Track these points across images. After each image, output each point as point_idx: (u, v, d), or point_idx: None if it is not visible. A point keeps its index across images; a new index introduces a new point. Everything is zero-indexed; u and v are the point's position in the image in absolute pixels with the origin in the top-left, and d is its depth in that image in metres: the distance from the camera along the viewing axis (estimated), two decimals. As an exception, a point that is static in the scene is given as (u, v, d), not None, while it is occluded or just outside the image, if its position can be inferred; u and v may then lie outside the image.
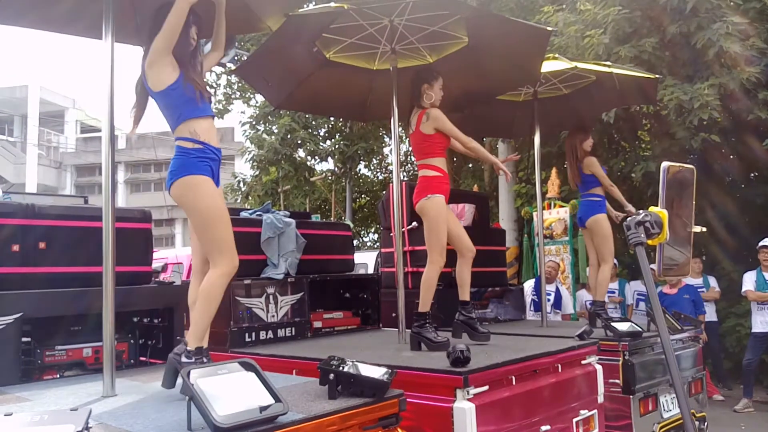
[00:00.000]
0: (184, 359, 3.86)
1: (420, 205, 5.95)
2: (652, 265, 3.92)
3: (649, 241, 3.15)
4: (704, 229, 3.76)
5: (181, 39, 4.11)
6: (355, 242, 24.37)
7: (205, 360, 3.93)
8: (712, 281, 11.59)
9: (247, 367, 3.29)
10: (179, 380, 3.76)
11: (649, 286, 3.19)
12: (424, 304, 5.86)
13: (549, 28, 6.30)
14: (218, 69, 19.10)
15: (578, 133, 7.89)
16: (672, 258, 3.39)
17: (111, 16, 4.28)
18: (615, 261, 10.75)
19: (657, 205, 3.32)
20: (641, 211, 3.18)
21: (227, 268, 4.02)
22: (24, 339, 4.73)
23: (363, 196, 26.71)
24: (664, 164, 3.31)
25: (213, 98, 21.26)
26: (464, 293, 6.09)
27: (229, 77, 20.59)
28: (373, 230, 26.92)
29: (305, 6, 6.14)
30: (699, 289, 11.20)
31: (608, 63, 7.95)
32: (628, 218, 3.21)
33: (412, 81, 6.16)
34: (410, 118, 6.13)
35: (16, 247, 4.78)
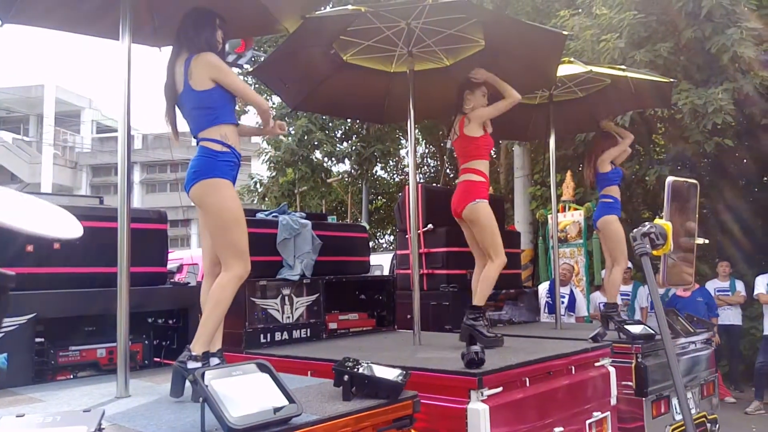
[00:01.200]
0: (190, 365, 3.87)
1: (469, 210, 6.08)
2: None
3: (654, 252, 3.18)
4: (707, 241, 3.79)
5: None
6: (371, 244, 24.43)
7: (211, 363, 3.97)
8: (739, 285, 11.54)
9: (262, 368, 3.31)
10: (188, 385, 3.78)
11: (653, 294, 3.21)
12: (481, 298, 6.03)
13: (565, 32, 6.30)
14: (235, 70, 19.13)
15: (608, 139, 7.89)
16: (675, 268, 3.43)
17: (128, 17, 4.30)
18: (629, 264, 10.74)
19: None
20: (647, 223, 3.21)
21: (240, 271, 4.07)
22: (37, 339, 4.74)
23: (379, 197, 26.69)
24: (669, 179, 3.36)
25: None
26: (475, 298, 6.13)
27: (245, 78, 20.62)
28: (389, 232, 26.91)
29: (323, 8, 6.15)
30: (725, 293, 11.18)
31: (623, 66, 7.93)
32: (635, 230, 3.24)
33: (457, 88, 6.34)
34: (453, 125, 6.30)
35: (30, 248, 4.79)
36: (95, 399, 3.98)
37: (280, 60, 6.47)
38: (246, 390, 3.11)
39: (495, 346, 5.50)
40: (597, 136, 8.21)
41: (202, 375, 3.04)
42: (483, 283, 6.03)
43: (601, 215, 7.74)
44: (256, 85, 20.02)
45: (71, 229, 2.26)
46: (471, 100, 6.19)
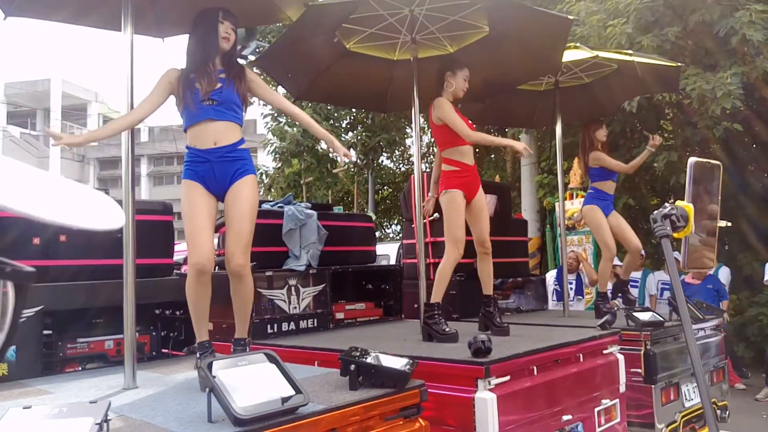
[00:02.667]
0: (197, 355, 4.16)
1: (440, 200, 6.02)
2: (677, 254, 3.91)
3: (675, 234, 3.13)
4: (729, 224, 3.73)
5: None
6: (377, 234, 24.45)
7: (198, 355, 4.17)
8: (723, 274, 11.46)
9: (268, 358, 3.30)
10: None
11: (673, 277, 3.17)
12: (436, 294, 5.86)
13: (571, 17, 6.25)
14: (240, 61, 19.13)
15: (591, 124, 7.89)
16: (697, 251, 3.38)
17: (130, 8, 4.30)
18: (642, 252, 10.74)
19: (681, 196, 3.32)
20: (667, 204, 3.16)
21: (189, 264, 4.21)
22: (45, 332, 4.75)
23: (385, 187, 26.70)
24: (691, 160, 3.30)
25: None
26: (484, 288, 6.12)
27: (250, 69, 20.57)
28: (395, 221, 26.91)
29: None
30: None
31: (630, 51, 7.89)
32: (655, 212, 3.20)
33: (437, 70, 6.18)
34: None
35: (36, 240, 4.80)
36: (103, 390, 3.99)
37: (283, 49, 6.44)
38: (253, 380, 3.11)
39: (450, 342, 5.39)
40: (584, 125, 8.16)
41: (209, 365, 3.04)
42: (436, 277, 5.88)
43: (584, 205, 7.89)
44: (261, 75, 20.01)
45: (111, 218, 2.22)
46: (452, 83, 6.05)
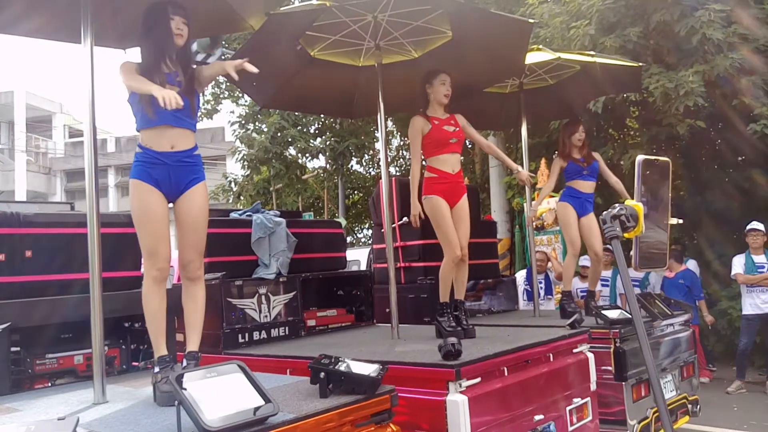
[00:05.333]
0: (155, 370, 4.02)
1: (423, 205, 6.19)
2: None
3: (625, 234, 3.15)
4: (680, 221, 3.75)
5: None
6: (349, 239, 24.43)
7: (157, 370, 4.04)
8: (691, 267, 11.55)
9: (236, 368, 3.29)
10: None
11: (624, 279, 3.18)
12: (441, 294, 6.12)
13: (531, 21, 6.31)
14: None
15: (567, 127, 7.93)
16: (649, 250, 3.39)
17: (89, 20, 4.27)
18: (610, 250, 10.81)
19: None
20: (617, 205, 3.17)
21: (147, 273, 4.11)
22: (13, 348, 4.69)
23: (356, 192, 26.71)
24: (639, 158, 3.31)
25: (202, 98, 21.27)
26: (456, 292, 6.24)
27: (216, 77, 20.46)
28: (367, 226, 26.94)
29: (288, 4, 6.12)
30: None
31: (592, 53, 7.96)
32: (604, 213, 3.21)
33: (420, 87, 6.33)
34: None
35: (1, 257, 4.76)
36: (72, 406, 3.95)
37: (247, 58, 6.40)
38: (221, 391, 3.11)
39: (470, 337, 5.58)
40: (561, 128, 8.22)
41: (179, 378, 3.03)
42: (439, 278, 6.16)
43: (558, 201, 8.00)
44: (227, 83, 19.93)
45: None
46: (431, 93, 6.24)
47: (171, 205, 4.29)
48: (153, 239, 4.12)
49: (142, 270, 4.21)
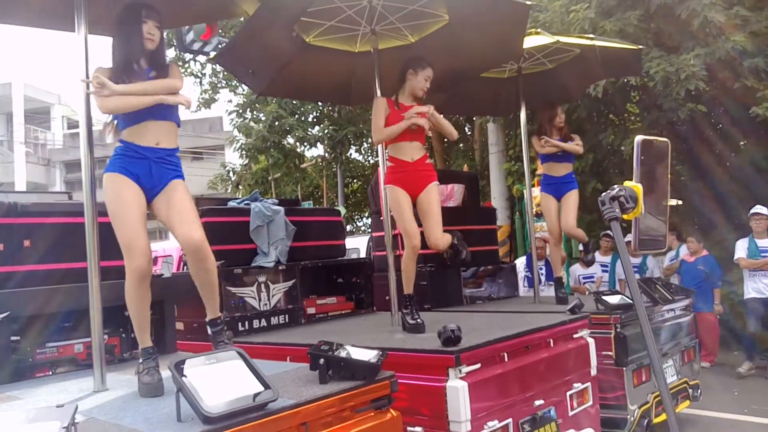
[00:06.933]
0: (139, 360, 4.03)
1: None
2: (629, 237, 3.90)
3: (624, 216, 3.11)
4: (680, 202, 3.71)
5: None
6: (348, 227, 24.40)
7: (141, 361, 4.01)
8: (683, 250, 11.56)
9: (236, 355, 3.29)
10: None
11: (624, 261, 3.14)
12: (406, 287, 5.93)
13: (528, 2, 6.25)
14: (202, 58, 19.01)
15: (545, 110, 7.88)
16: (648, 232, 3.36)
17: (83, 8, 4.24)
18: (610, 235, 10.85)
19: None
20: (615, 186, 3.14)
21: (128, 267, 3.98)
22: (13, 338, 4.69)
23: (355, 180, 26.67)
24: (638, 138, 3.26)
25: (199, 87, 21.20)
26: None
27: (214, 66, 20.46)
28: (366, 214, 26.87)
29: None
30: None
31: (591, 36, 7.92)
32: (603, 194, 3.17)
33: (400, 66, 6.14)
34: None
35: (0, 246, 4.75)
36: (72, 394, 3.96)
37: (241, 45, 6.38)
38: (221, 378, 3.11)
39: (416, 332, 5.46)
40: (540, 113, 8.17)
41: (178, 365, 3.02)
42: (402, 270, 5.96)
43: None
44: (223, 74, 19.86)
45: None
46: (411, 80, 6.01)
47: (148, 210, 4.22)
48: (129, 233, 3.97)
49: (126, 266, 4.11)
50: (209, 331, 4.37)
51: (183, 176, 4.32)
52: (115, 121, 4.26)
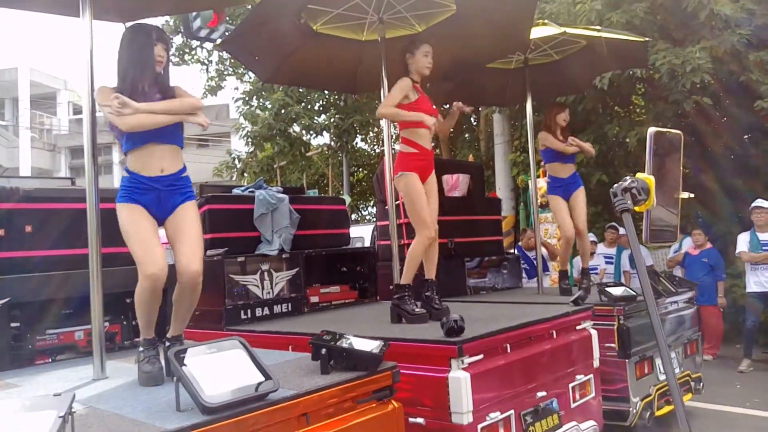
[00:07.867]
0: (140, 349, 4.00)
1: (395, 183, 5.90)
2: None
3: (636, 208, 3.09)
4: (692, 195, 3.68)
5: None
6: (354, 216, 24.34)
7: (142, 350, 4.00)
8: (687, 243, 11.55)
9: (237, 344, 3.27)
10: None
11: (635, 252, 3.13)
12: (406, 276, 5.80)
13: (536, -7, 6.22)
14: (209, 45, 18.97)
15: (554, 107, 7.81)
16: (659, 224, 3.34)
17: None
18: (615, 228, 10.87)
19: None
20: (627, 177, 3.11)
21: (141, 276, 3.95)
22: (13, 324, 4.68)
23: (360, 169, 26.61)
24: (651, 130, 3.24)
25: (206, 75, 21.16)
26: (426, 272, 5.95)
27: (221, 53, 20.41)
28: (372, 203, 26.83)
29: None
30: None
31: (598, 27, 7.88)
32: (615, 185, 3.15)
33: (400, 54, 6.01)
34: None
35: (1, 232, 4.73)
36: (72, 382, 3.96)
37: (249, 32, 6.35)
38: (221, 367, 3.09)
39: (419, 322, 5.41)
40: (547, 108, 8.10)
41: (178, 354, 3.01)
42: (407, 258, 5.81)
43: (547, 194, 7.95)
44: (232, 60, 19.79)
45: None
46: (413, 62, 5.84)
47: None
48: (145, 246, 3.94)
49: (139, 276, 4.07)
50: (163, 347, 4.15)
51: (193, 196, 4.24)
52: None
